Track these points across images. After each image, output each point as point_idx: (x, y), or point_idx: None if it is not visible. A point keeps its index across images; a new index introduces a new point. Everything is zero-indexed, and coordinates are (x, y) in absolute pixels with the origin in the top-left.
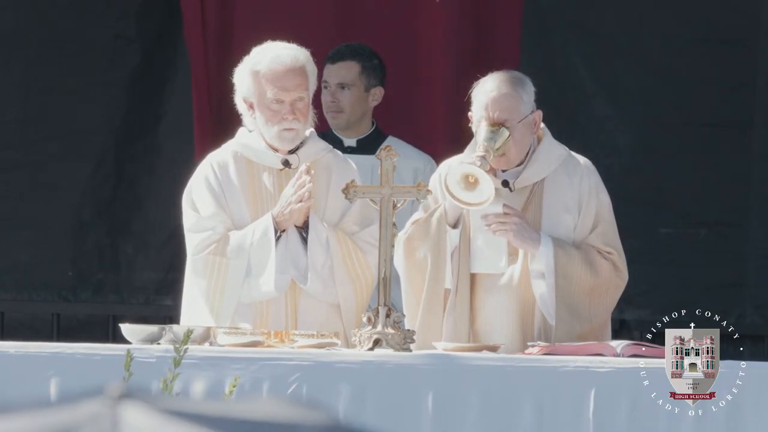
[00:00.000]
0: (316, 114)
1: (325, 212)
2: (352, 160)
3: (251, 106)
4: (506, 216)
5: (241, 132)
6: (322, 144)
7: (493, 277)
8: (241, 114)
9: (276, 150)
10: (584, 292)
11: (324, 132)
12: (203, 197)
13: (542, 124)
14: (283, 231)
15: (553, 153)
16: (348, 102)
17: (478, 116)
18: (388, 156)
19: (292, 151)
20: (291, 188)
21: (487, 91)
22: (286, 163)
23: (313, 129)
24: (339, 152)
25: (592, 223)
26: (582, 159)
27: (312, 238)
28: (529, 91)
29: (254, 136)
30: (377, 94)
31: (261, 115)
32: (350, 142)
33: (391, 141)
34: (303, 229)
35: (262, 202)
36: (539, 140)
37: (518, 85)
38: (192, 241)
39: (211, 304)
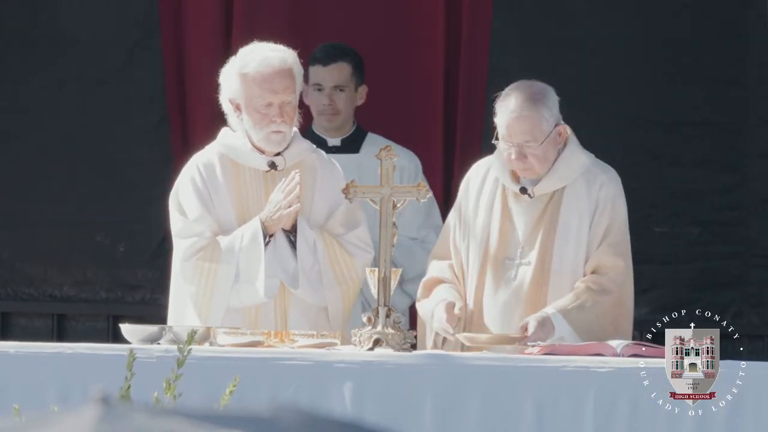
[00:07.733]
0: (301, 113)
1: (311, 213)
2: (337, 160)
3: (238, 108)
4: (526, 341)
5: (224, 132)
6: (306, 144)
7: (504, 278)
8: (225, 114)
9: (262, 151)
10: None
11: (306, 131)
12: (189, 199)
13: (569, 130)
14: (271, 235)
15: (575, 162)
16: (344, 104)
17: (501, 133)
18: (388, 156)
19: (278, 153)
20: (281, 193)
21: (508, 111)
22: (273, 165)
23: (296, 129)
24: (323, 152)
25: (603, 232)
26: (605, 168)
27: (300, 242)
28: (551, 106)
29: (239, 137)
30: (363, 92)
31: (249, 118)
32: (335, 141)
33: (372, 138)
34: (290, 233)
35: (248, 203)
36: (564, 147)
37: (539, 102)
38: (180, 246)
39: (199, 310)
